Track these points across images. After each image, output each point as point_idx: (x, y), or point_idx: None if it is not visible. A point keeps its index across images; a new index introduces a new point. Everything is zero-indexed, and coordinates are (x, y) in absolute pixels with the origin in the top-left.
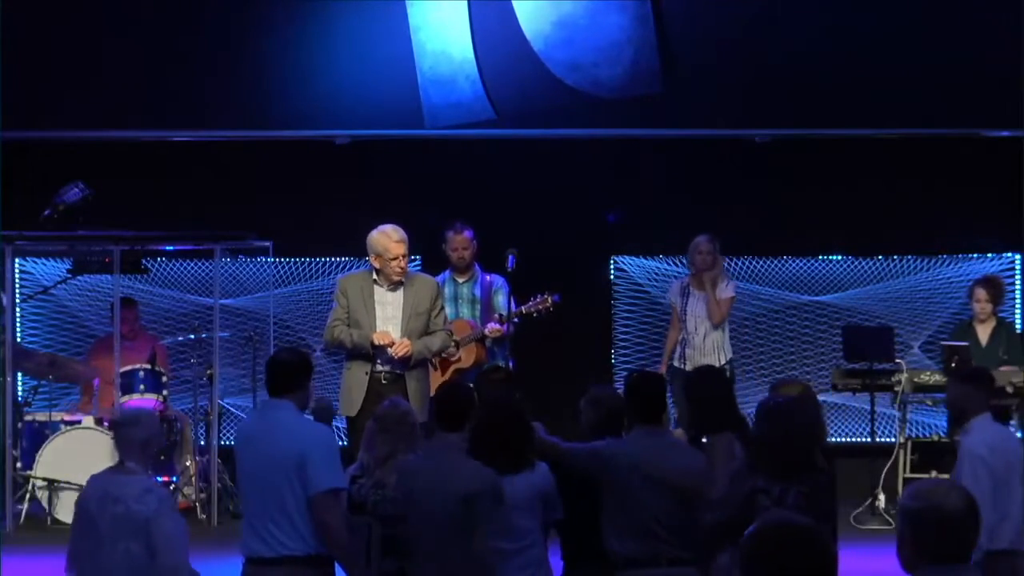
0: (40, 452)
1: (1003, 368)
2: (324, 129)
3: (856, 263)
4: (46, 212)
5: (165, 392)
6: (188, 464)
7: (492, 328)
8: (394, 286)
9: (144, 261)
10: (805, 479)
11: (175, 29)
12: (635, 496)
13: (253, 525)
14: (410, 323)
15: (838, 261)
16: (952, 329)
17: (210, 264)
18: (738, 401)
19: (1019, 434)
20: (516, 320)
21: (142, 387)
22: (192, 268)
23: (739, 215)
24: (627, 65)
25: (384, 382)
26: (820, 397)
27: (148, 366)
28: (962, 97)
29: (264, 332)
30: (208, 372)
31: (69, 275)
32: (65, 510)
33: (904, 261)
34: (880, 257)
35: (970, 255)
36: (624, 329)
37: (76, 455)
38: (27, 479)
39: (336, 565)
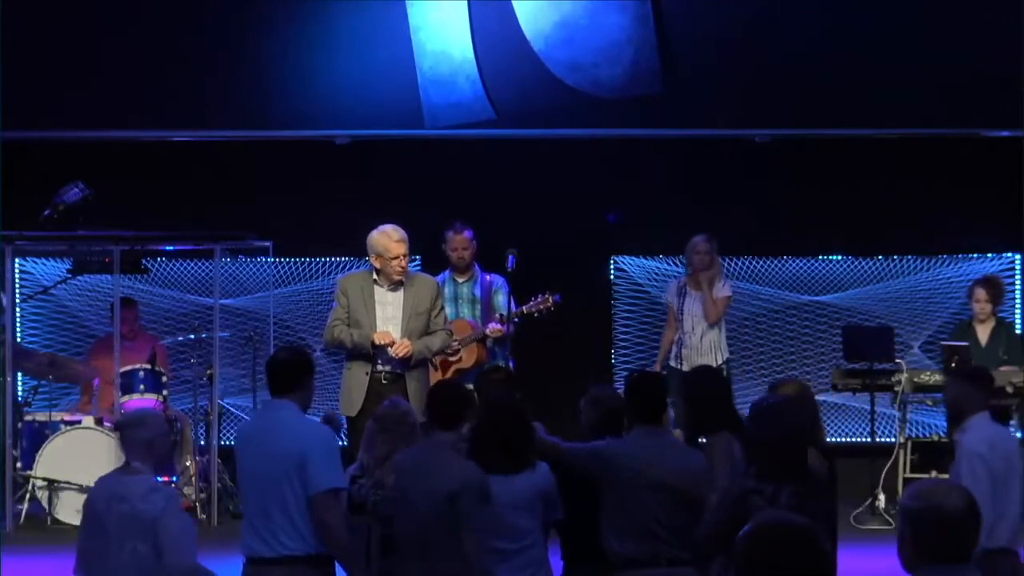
0: (40, 452)
1: (1003, 368)
2: (324, 129)
3: (856, 263)
4: (46, 212)
5: (165, 392)
6: (188, 464)
7: (493, 328)
8: (394, 286)
9: (144, 261)
10: (799, 479)
11: (175, 29)
12: (635, 496)
13: (253, 525)
14: (410, 323)
15: (838, 261)
16: (952, 329)
17: (210, 264)
18: (736, 401)
19: (1019, 434)
20: (517, 320)
21: (142, 387)
22: (192, 268)
23: (739, 215)
24: (627, 65)
25: (384, 382)
26: (820, 397)
27: (148, 366)
28: (962, 97)
29: (264, 332)
30: (208, 372)
31: (69, 275)
32: (65, 510)
33: (904, 261)
34: (880, 257)
35: (970, 255)
36: (624, 329)
37: (76, 455)
38: (27, 479)
39: (336, 565)
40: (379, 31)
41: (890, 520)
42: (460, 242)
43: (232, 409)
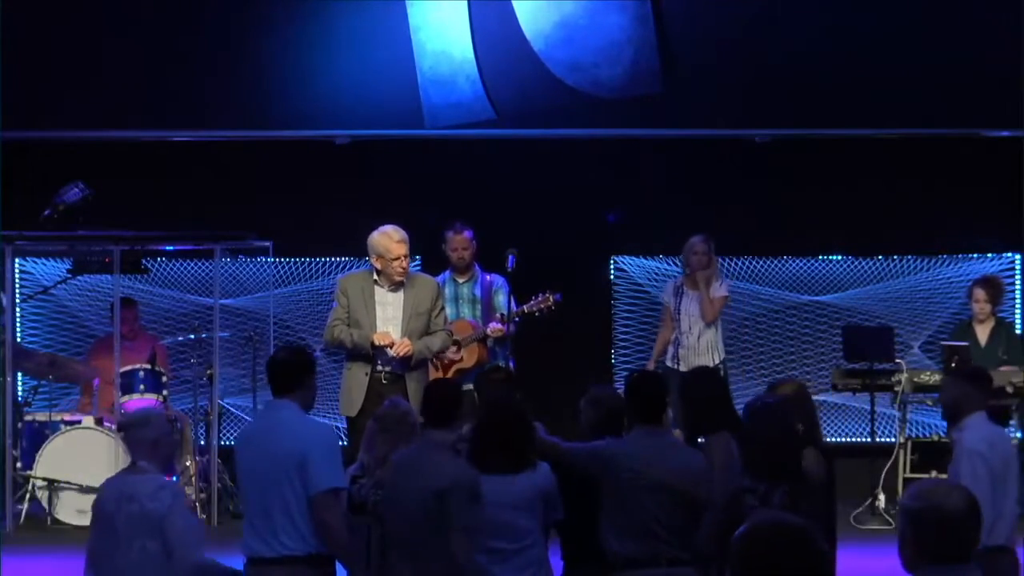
0: (40, 452)
1: (1003, 368)
2: (324, 129)
3: (856, 263)
4: (46, 212)
5: (165, 392)
6: (188, 464)
7: (493, 328)
8: (395, 286)
9: (144, 261)
10: (792, 479)
11: (175, 29)
12: (635, 496)
13: (254, 525)
14: (410, 323)
15: (838, 261)
16: (952, 329)
17: (210, 264)
18: (736, 401)
19: (1020, 434)
20: (517, 319)
21: (142, 387)
22: (192, 268)
23: (739, 215)
24: (627, 65)
25: (384, 382)
26: (820, 397)
27: (148, 366)
28: (962, 97)
29: (264, 332)
30: (208, 372)
31: (69, 275)
32: (65, 510)
33: (904, 261)
34: (880, 257)
35: (970, 255)
36: (624, 329)
37: (76, 455)
38: (27, 479)
39: (337, 565)
40: (379, 31)
41: (890, 520)
42: (460, 242)
43: (232, 409)
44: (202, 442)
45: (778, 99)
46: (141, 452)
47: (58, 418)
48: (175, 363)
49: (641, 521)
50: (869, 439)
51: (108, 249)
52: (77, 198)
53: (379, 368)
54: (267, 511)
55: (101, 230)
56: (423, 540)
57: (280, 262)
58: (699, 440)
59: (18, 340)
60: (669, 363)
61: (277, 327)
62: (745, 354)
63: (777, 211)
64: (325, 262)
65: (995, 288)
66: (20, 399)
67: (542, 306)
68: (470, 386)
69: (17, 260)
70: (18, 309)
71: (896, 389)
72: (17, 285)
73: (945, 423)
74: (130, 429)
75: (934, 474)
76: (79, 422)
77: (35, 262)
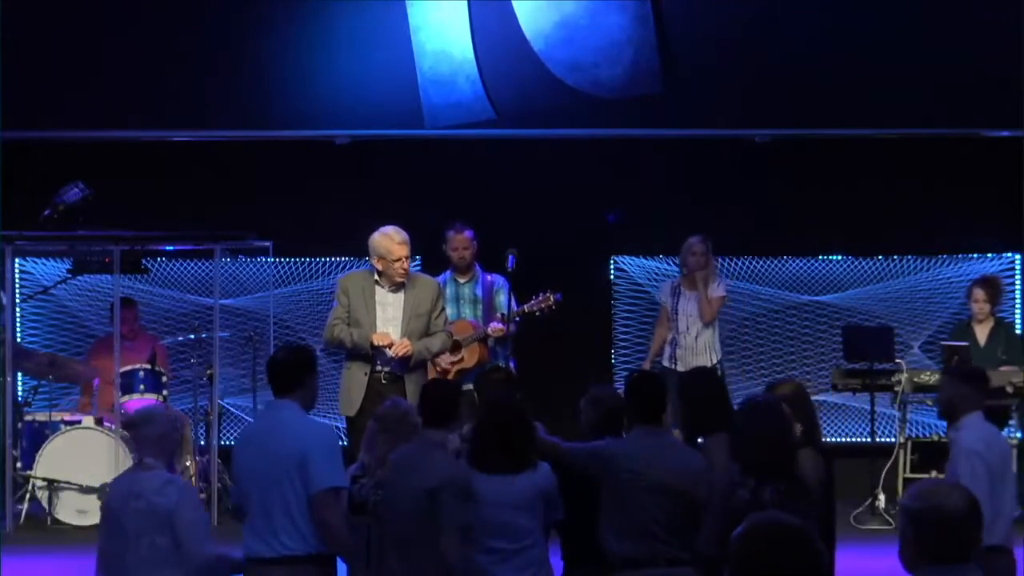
0: (40, 452)
1: (1003, 368)
2: (324, 129)
3: (856, 263)
4: (46, 212)
5: (165, 392)
6: (188, 464)
7: (494, 328)
8: (395, 287)
9: (144, 261)
10: (782, 477)
11: (175, 29)
12: (634, 496)
13: (254, 525)
14: (410, 324)
15: (838, 261)
16: (951, 329)
17: (210, 264)
18: (735, 401)
19: (1020, 434)
20: (518, 319)
21: (142, 387)
22: (192, 268)
23: (739, 215)
24: (627, 65)
25: (384, 383)
26: (820, 397)
27: (148, 366)
28: (962, 97)
29: (264, 332)
30: (208, 372)
31: (69, 275)
32: (65, 510)
33: (904, 261)
34: (880, 257)
35: (970, 255)
36: (624, 329)
37: (76, 455)
38: (27, 479)
39: (338, 565)
40: (379, 31)
41: (890, 520)
42: (461, 242)
43: (232, 409)
44: (202, 442)
45: (778, 99)
46: (147, 449)
47: (58, 418)
48: (175, 363)
49: (640, 521)
50: (869, 439)
51: (108, 249)
52: (77, 198)
53: (378, 368)
54: (268, 511)
55: (101, 230)
56: (418, 539)
57: (280, 262)
58: (698, 440)
59: (18, 340)
60: (666, 363)
61: (277, 327)
62: (745, 354)
63: (777, 211)
64: (325, 262)
65: (994, 288)
66: (20, 399)
67: (542, 306)
68: (470, 386)
69: (17, 260)
70: (18, 309)
71: (896, 389)
72: (17, 285)
73: (945, 423)
74: (135, 426)
75: (934, 474)
76: (79, 422)
77: (35, 262)
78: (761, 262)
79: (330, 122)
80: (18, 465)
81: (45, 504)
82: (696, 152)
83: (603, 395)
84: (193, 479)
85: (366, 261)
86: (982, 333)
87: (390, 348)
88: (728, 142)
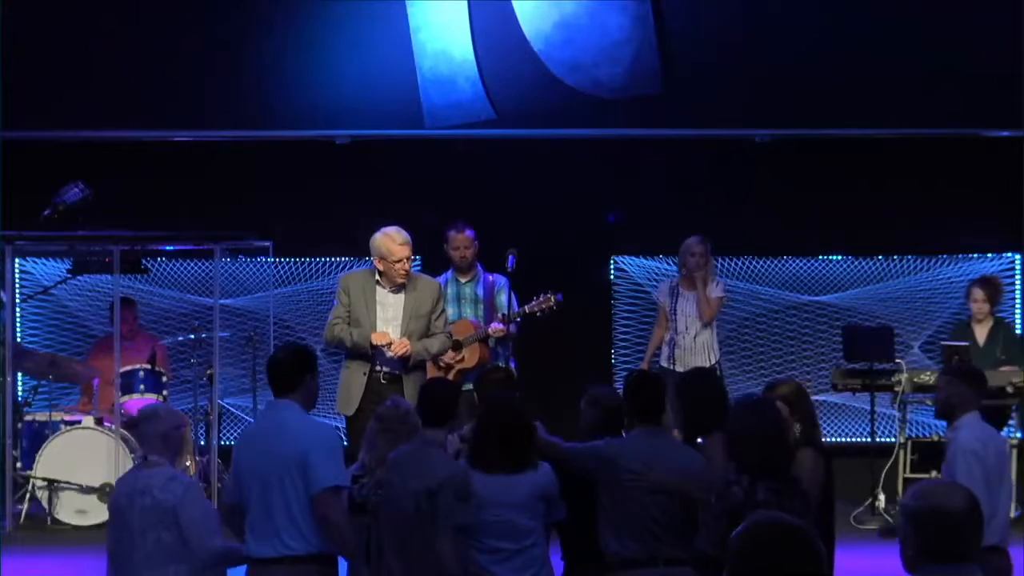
0: (40, 452)
1: (1003, 368)
2: (324, 129)
3: (856, 263)
4: (46, 212)
5: (165, 392)
6: (188, 464)
7: (495, 328)
8: (396, 287)
9: (144, 261)
10: (775, 476)
11: (175, 29)
12: (633, 496)
13: (256, 525)
14: (410, 325)
15: (838, 261)
16: (950, 329)
17: (210, 264)
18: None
19: (1020, 434)
20: (519, 320)
21: (142, 387)
22: (192, 268)
23: (739, 215)
24: (627, 65)
25: (383, 382)
26: (820, 397)
27: (148, 366)
28: (962, 97)
29: (264, 332)
30: (208, 372)
31: (69, 275)
32: (65, 510)
33: (904, 261)
34: (880, 257)
35: (970, 255)
36: (624, 329)
37: (76, 455)
38: (27, 479)
39: (339, 564)
40: (379, 31)
41: (890, 520)
42: (462, 241)
43: (232, 409)
44: (202, 442)
45: (778, 99)
46: (152, 446)
47: (58, 418)
48: (175, 363)
49: (640, 521)
50: (869, 439)
51: (108, 249)
52: (77, 198)
53: (377, 368)
54: (269, 511)
55: (101, 230)
56: (417, 538)
57: (280, 262)
58: (698, 440)
59: (18, 340)
60: (665, 363)
61: (277, 327)
62: (745, 354)
63: (777, 211)
64: (325, 262)
65: (993, 288)
66: (20, 399)
67: (544, 306)
68: (470, 386)
69: (17, 260)
70: (18, 309)
71: (896, 389)
72: (17, 285)
73: (945, 423)
74: (139, 425)
75: (934, 474)
76: (79, 422)
77: (35, 262)
78: (761, 262)
79: (330, 122)
80: (18, 465)
81: (45, 504)
82: (696, 152)
83: (603, 395)
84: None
85: (366, 261)
86: (981, 333)
87: (389, 347)
88: (728, 142)
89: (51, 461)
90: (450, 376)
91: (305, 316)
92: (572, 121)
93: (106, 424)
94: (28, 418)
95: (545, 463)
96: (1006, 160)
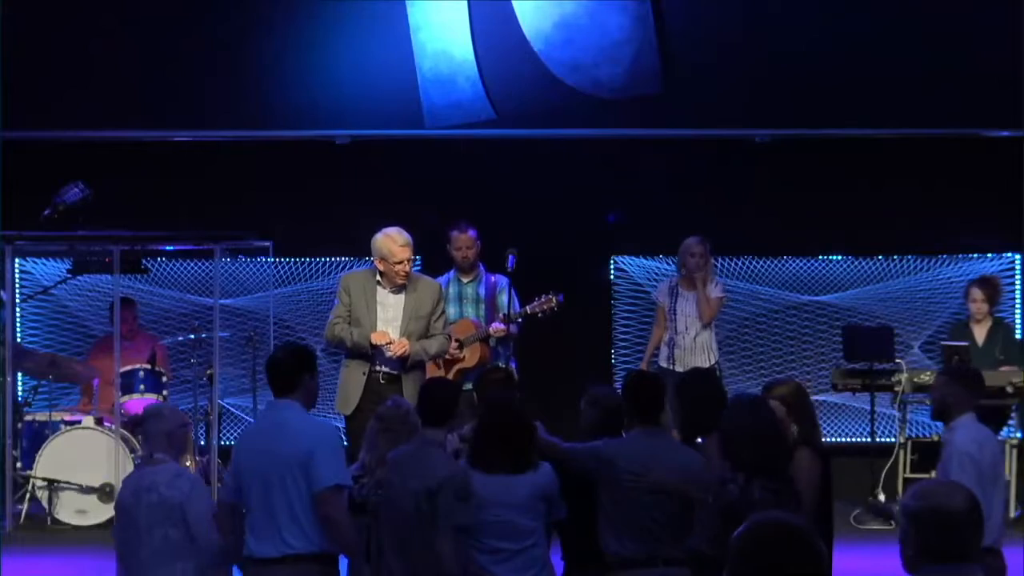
0: (40, 452)
1: (1003, 368)
2: (324, 129)
3: (856, 263)
4: (46, 212)
5: (165, 392)
6: (188, 464)
7: (496, 328)
8: (396, 288)
9: (144, 261)
10: (770, 475)
11: (175, 29)
12: (633, 496)
13: (257, 525)
14: (409, 326)
15: (838, 261)
16: (949, 329)
17: (210, 264)
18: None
19: (1020, 434)
20: (520, 320)
21: (142, 387)
22: (192, 268)
23: (739, 215)
24: (627, 65)
25: (382, 382)
26: (820, 397)
27: (148, 366)
28: (962, 97)
29: (264, 332)
30: (208, 372)
31: (69, 275)
32: (65, 510)
33: (904, 261)
34: (880, 257)
35: (970, 255)
36: (624, 329)
37: (76, 455)
38: (27, 479)
39: (340, 564)
40: (379, 31)
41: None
42: (464, 241)
43: (232, 409)
44: (202, 442)
45: (778, 99)
46: (157, 444)
47: (58, 418)
48: (175, 363)
49: (639, 521)
50: (869, 439)
51: (108, 249)
52: (77, 198)
53: (377, 368)
54: (271, 510)
55: (101, 230)
56: (416, 538)
57: (280, 262)
58: (697, 440)
59: (18, 340)
60: (664, 364)
61: (277, 327)
62: (745, 354)
63: (777, 211)
64: (325, 262)
65: (992, 288)
66: (20, 399)
67: (545, 307)
68: (470, 386)
69: (17, 260)
70: (18, 309)
71: (896, 389)
72: (17, 285)
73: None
74: (144, 423)
75: (934, 474)
76: (79, 422)
77: (35, 262)
78: (761, 262)
79: (330, 122)
80: (18, 465)
81: (45, 504)
82: (696, 152)
83: (603, 395)
84: None
85: (366, 261)
86: (980, 333)
87: (389, 347)
88: (728, 142)
89: (51, 461)
90: (450, 376)
91: (305, 316)
92: (572, 121)
93: (106, 424)
94: (28, 418)
95: (545, 463)
96: (1006, 160)
